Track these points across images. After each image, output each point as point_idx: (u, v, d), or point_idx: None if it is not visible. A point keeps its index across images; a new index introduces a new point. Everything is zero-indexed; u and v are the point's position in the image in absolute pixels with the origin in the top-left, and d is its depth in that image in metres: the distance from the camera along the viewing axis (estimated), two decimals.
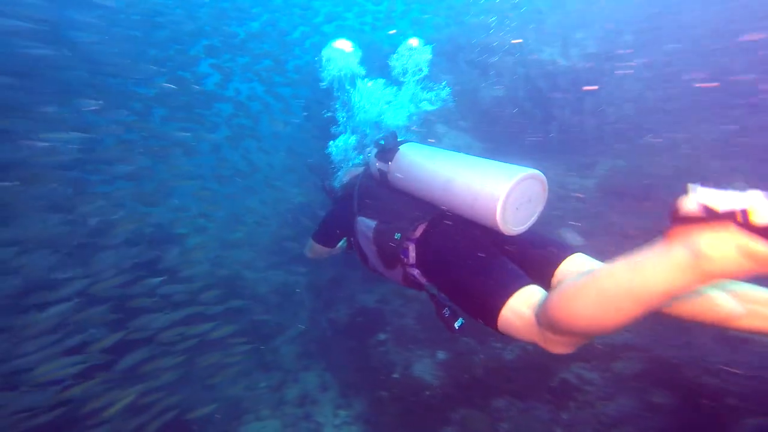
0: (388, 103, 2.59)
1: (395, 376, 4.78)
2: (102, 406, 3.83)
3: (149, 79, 5.69)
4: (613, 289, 0.94)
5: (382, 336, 5.25)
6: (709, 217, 0.78)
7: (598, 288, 0.98)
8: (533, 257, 1.58)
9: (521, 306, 1.30)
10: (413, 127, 3.23)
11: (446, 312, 1.70)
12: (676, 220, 0.85)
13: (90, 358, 3.94)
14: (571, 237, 5.00)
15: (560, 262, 1.52)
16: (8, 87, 3.67)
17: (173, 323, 4.60)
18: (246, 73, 7.41)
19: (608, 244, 4.83)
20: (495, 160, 1.56)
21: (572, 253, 1.54)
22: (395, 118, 2.65)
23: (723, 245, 0.76)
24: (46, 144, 3.74)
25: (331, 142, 2.56)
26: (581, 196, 5.55)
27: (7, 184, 3.45)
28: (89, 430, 3.76)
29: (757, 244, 0.72)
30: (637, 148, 5.92)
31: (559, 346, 1.21)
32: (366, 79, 2.64)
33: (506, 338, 3.06)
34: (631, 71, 6.46)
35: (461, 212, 1.54)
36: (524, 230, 1.52)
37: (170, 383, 5.44)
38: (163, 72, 6.10)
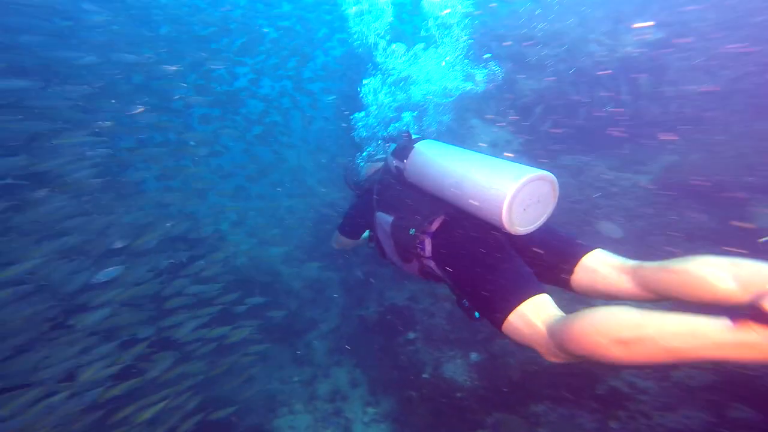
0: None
1: (425, 376, 4.68)
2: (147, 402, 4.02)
3: (186, 80, 5.93)
4: (658, 343, 0.96)
5: (411, 335, 5.16)
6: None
7: (640, 335, 0.99)
8: (552, 253, 1.58)
9: (532, 315, 1.32)
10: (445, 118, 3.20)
11: (466, 302, 1.66)
12: (759, 318, 0.89)
13: (133, 353, 4.16)
14: (608, 229, 4.67)
15: (580, 259, 1.53)
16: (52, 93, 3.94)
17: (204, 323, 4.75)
18: (277, 71, 7.54)
19: (662, 243, 4.42)
20: (509, 160, 1.54)
21: (592, 250, 1.54)
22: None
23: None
24: (84, 147, 4.01)
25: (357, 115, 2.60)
26: (633, 191, 5.13)
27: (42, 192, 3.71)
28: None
29: None
30: (695, 144, 5.36)
31: (557, 359, 1.28)
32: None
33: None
34: (692, 61, 5.84)
35: (470, 211, 1.54)
36: (532, 230, 1.50)
37: (214, 376, 5.75)
38: (200, 72, 6.35)
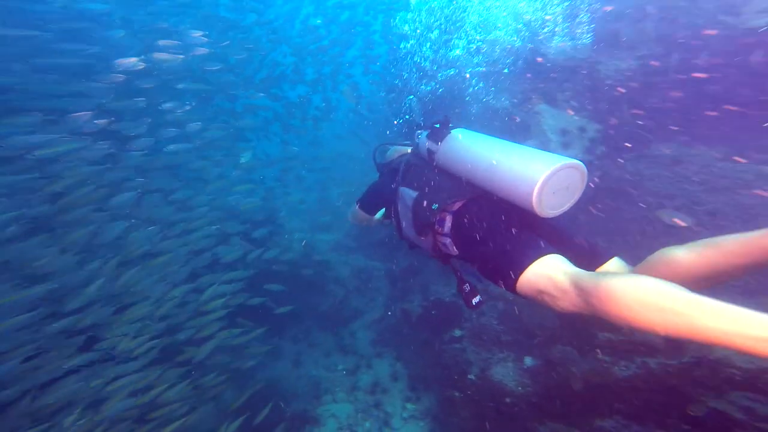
0: None
1: (471, 377, 4.33)
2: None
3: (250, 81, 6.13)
4: (696, 320, 0.99)
5: (458, 332, 4.82)
6: None
7: (682, 308, 1.02)
8: (571, 244, 1.68)
9: (551, 268, 1.38)
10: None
11: (467, 287, 1.79)
12: None
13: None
14: (670, 217, 3.94)
15: (601, 265, 1.62)
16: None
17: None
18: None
19: None
20: (542, 150, 1.64)
21: (612, 258, 1.64)
22: None
23: None
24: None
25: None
26: (752, 183, 4.14)
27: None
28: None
29: None
30: None
31: (571, 309, 1.31)
32: None
33: (612, 350, 3.03)
34: None
35: (502, 194, 1.63)
36: (559, 213, 1.60)
37: (263, 358, 5.97)
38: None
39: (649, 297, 1.06)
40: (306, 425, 4.73)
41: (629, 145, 4.85)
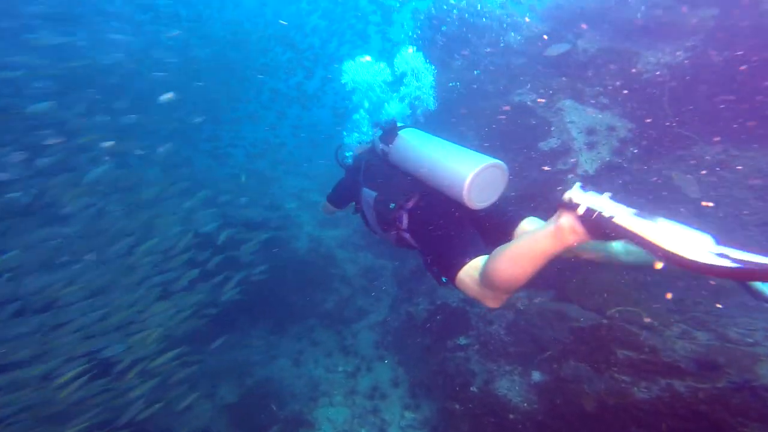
0: None
1: (473, 389, 4.06)
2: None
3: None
4: (518, 253, 1.42)
5: (463, 340, 4.55)
6: (570, 206, 1.28)
7: (510, 254, 1.44)
8: (497, 223, 1.94)
9: (473, 270, 1.66)
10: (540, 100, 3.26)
11: (435, 269, 1.92)
12: (559, 205, 1.33)
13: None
14: (686, 185, 3.63)
15: (516, 225, 1.88)
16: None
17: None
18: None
19: None
20: (473, 150, 1.86)
21: (525, 218, 1.90)
22: None
23: (568, 223, 1.27)
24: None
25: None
26: None
27: None
28: None
29: (577, 226, 1.26)
30: None
31: (489, 301, 1.61)
32: None
33: (632, 369, 3.00)
34: None
35: (441, 190, 1.86)
36: (486, 206, 1.85)
37: (263, 354, 5.88)
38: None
39: (500, 261, 1.46)
40: (300, 428, 4.57)
41: (663, 154, 4.40)
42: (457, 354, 4.46)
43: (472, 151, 1.84)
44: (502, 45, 5.94)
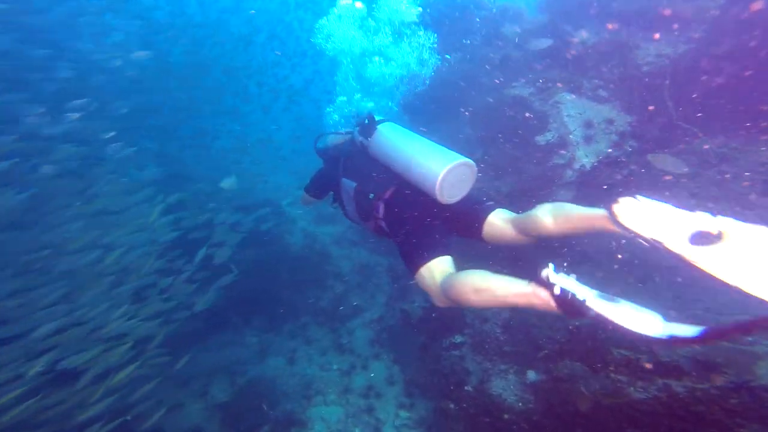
0: None
1: (467, 388, 4.00)
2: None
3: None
4: (489, 293, 1.56)
5: (458, 338, 4.49)
6: (546, 284, 1.43)
7: (481, 289, 1.58)
8: (466, 216, 2.05)
9: (434, 270, 1.84)
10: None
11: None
12: (536, 280, 1.48)
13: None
14: (672, 163, 3.61)
15: (485, 218, 2.02)
16: None
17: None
18: None
19: None
20: (444, 146, 2.00)
21: (494, 210, 2.04)
22: None
23: (543, 296, 1.43)
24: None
25: None
26: None
27: None
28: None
29: (551, 301, 1.41)
30: None
31: (439, 302, 1.83)
32: None
33: (629, 369, 2.97)
34: None
35: (416, 184, 1.98)
36: (457, 200, 2.00)
37: (256, 352, 5.82)
38: None
39: (467, 286, 1.59)
40: (292, 428, 4.52)
41: (663, 148, 4.29)
42: (452, 352, 4.40)
43: (444, 149, 2.00)
44: (498, 38, 5.81)
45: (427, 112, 6.00)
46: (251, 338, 6.11)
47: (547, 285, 1.40)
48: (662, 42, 4.71)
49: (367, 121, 2.27)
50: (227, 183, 4.60)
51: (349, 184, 2.30)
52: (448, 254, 1.90)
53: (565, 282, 1.39)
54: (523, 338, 4.07)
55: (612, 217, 1.49)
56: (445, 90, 5.72)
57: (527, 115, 4.81)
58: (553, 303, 1.38)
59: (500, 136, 5.02)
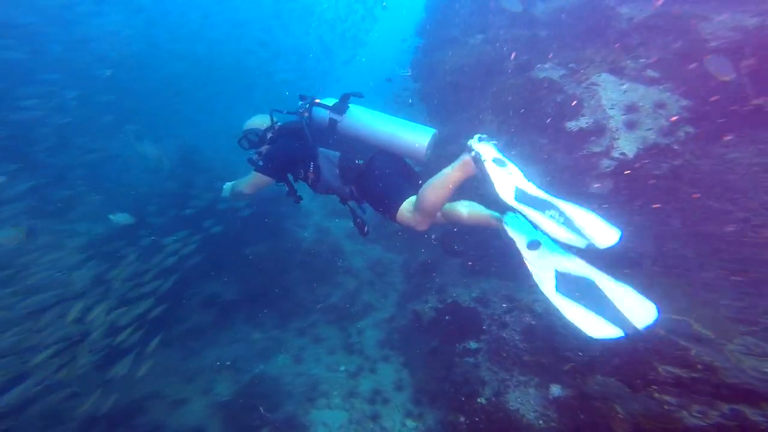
0: None
1: (481, 400, 3.57)
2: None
3: None
4: (435, 182, 2.01)
5: (473, 344, 4.06)
6: (468, 149, 1.92)
7: (431, 184, 2.03)
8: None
9: (409, 204, 2.24)
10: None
11: (359, 221, 2.60)
12: (465, 149, 1.94)
13: None
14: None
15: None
16: None
17: None
18: None
19: None
20: (410, 120, 2.48)
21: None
22: None
23: (466, 160, 1.92)
24: None
25: None
26: None
27: None
28: None
29: (470, 163, 1.91)
30: None
31: (420, 225, 2.18)
32: None
33: (680, 389, 2.67)
34: None
35: (398, 151, 2.43)
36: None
37: (263, 349, 5.61)
38: None
39: (428, 190, 2.05)
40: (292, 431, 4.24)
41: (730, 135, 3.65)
42: (465, 359, 3.98)
43: (415, 123, 2.45)
44: (525, 16, 5.30)
45: (444, 97, 5.58)
46: (259, 334, 5.91)
47: (468, 150, 1.92)
48: (737, 12, 3.98)
49: (341, 101, 2.55)
50: (120, 218, 4.19)
51: (331, 153, 2.51)
52: (414, 194, 2.28)
53: (481, 147, 1.89)
54: (547, 347, 3.60)
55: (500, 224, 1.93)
56: (463, 75, 5.28)
57: (557, 99, 4.30)
58: (472, 164, 1.90)
59: (525, 122, 4.54)
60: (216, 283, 6.70)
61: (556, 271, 1.70)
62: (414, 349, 4.73)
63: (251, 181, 2.65)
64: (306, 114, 2.59)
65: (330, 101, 2.56)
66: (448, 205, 2.17)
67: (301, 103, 2.62)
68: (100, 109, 7.38)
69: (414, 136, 2.35)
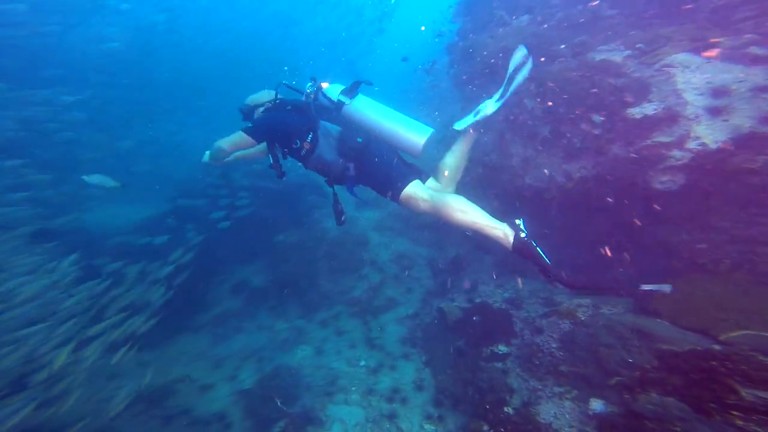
0: None
1: (508, 410, 3.24)
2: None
3: None
4: (471, 218, 2.25)
5: (502, 348, 3.72)
6: (518, 230, 2.19)
7: (467, 214, 2.26)
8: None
9: (416, 186, 2.46)
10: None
11: (340, 207, 2.76)
12: (512, 224, 2.21)
13: None
14: None
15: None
16: None
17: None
18: None
19: None
20: (412, 117, 2.63)
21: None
22: None
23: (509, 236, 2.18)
24: None
25: None
26: None
27: None
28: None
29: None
30: None
31: (424, 210, 2.39)
32: None
33: (758, 416, 2.34)
34: None
35: (396, 144, 2.57)
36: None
37: (286, 339, 5.54)
38: None
39: (458, 204, 2.29)
40: (308, 426, 4.08)
41: None
42: (493, 364, 3.65)
43: (416, 121, 2.58)
44: None
45: (482, 82, 5.19)
46: (284, 324, 5.84)
47: (516, 229, 2.14)
48: None
49: (353, 85, 2.66)
50: (95, 180, 3.94)
51: (332, 127, 2.62)
52: (419, 179, 2.54)
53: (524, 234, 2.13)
54: (589, 358, 3.20)
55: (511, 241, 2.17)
56: (505, 59, 4.86)
57: (616, 83, 3.81)
58: (511, 240, 2.09)
59: (573, 110, 4.10)
60: (247, 269, 6.76)
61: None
62: (437, 349, 4.44)
63: (233, 139, 2.73)
64: (312, 95, 2.68)
65: (338, 87, 2.68)
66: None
67: (310, 83, 2.71)
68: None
69: (413, 133, 2.51)
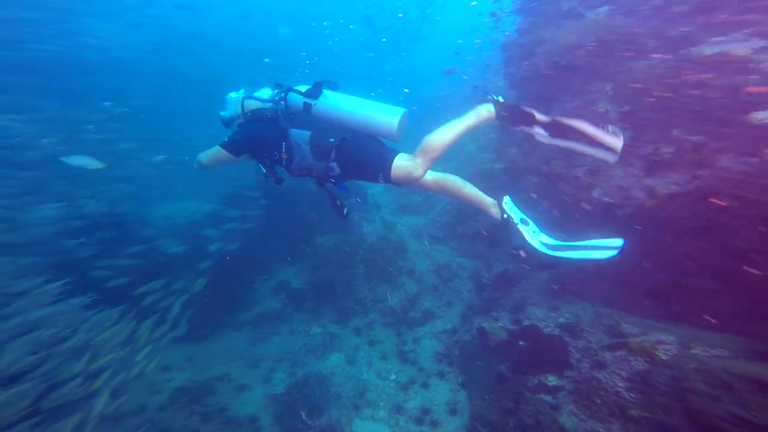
0: None
1: None
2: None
3: None
4: (448, 127, 2.38)
5: (553, 379, 3.22)
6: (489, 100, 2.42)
7: (444, 128, 2.39)
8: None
9: (400, 159, 2.49)
10: None
11: (338, 203, 2.80)
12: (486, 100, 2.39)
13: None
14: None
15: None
16: None
17: None
18: None
19: None
20: (381, 101, 2.64)
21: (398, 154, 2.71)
22: None
23: (487, 107, 2.39)
24: None
25: None
26: None
27: None
28: None
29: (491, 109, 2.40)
30: None
31: (419, 169, 2.42)
32: None
33: None
34: None
35: (371, 130, 2.61)
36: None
37: (320, 344, 5.35)
38: None
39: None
40: None
41: None
42: (541, 396, 3.16)
43: (386, 104, 2.61)
44: None
45: (545, 83, 4.73)
46: (318, 328, 5.65)
47: (502, 210, 2.41)
48: None
49: (314, 86, 2.69)
50: (77, 161, 3.68)
51: (302, 133, 2.63)
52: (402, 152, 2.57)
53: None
54: (674, 405, 2.63)
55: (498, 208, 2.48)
56: (575, 56, 4.39)
57: (734, 81, 3.20)
58: (493, 110, 2.36)
59: (665, 113, 3.54)
60: (289, 270, 6.68)
61: (541, 242, 2.38)
62: (476, 370, 4.00)
63: (211, 154, 2.77)
64: (282, 102, 2.70)
65: (304, 88, 2.69)
66: (446, 175, 2.53)
67: (276, 90, 2.73)
68: None
69: (385, 115, 2.51)
